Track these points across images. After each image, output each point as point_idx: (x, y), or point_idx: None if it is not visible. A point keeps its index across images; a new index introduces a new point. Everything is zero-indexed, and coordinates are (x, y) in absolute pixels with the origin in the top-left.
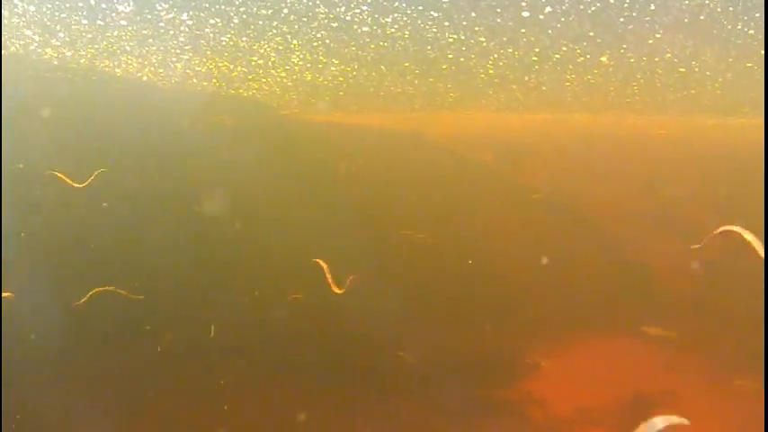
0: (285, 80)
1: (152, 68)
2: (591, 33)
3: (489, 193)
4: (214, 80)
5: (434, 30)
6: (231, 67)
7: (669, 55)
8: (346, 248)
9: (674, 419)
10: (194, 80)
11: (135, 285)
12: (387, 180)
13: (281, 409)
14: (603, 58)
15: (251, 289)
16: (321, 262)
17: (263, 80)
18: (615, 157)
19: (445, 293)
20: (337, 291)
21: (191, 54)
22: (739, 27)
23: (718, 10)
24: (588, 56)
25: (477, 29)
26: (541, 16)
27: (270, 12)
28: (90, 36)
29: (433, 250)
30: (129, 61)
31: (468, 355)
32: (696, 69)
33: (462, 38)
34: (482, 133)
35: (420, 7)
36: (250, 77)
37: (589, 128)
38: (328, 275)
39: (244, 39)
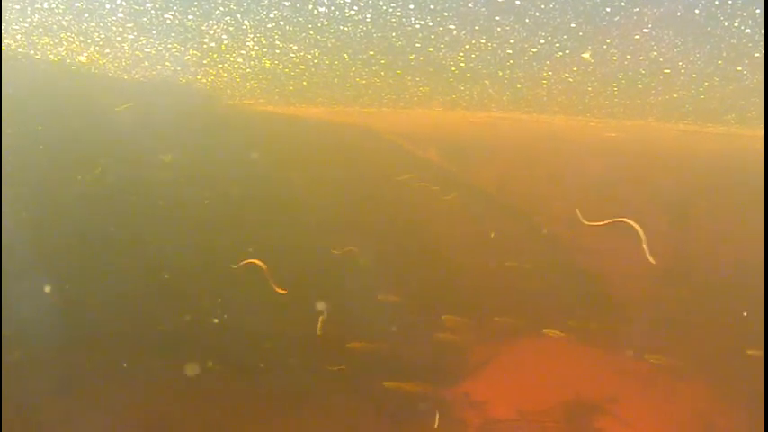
0: (243, 66)
1: (97, 48)
2: (572, 24)
3: (439, 196)
4: (167, 63)
5: (398, 13)
6: (182, 49)
7: (655, 53)
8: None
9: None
10: (146, 63)
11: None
12: (330, 182)
13: (203, 410)
14: (586, 55)
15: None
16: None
17: (220, 66)
18: (579, 162)
19: (385, 295)
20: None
21: (135, 33)
22: (736, 24)
23: (716, 3)
24: (568, 51)
25: (446, 14)
26: (518, 2)
27: None
28: (18, 7)
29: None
30: (71, 39)
31: (407, 357)
32: (682, 71)
33: (430, 24)
34: (445, 133)
35: None
36: (205, 62)
37: (562, 131)
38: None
39: (190, 17)
